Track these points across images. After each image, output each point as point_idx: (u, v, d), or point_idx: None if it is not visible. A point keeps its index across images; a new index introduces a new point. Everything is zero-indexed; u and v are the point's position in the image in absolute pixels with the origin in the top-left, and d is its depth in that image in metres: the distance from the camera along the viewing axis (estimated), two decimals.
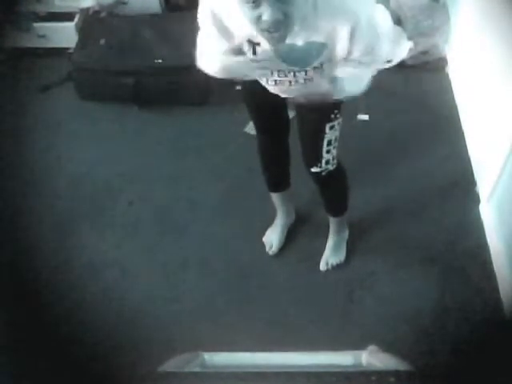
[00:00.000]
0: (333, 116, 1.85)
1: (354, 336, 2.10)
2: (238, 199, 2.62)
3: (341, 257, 2.38)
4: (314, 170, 1.98)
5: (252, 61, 1.56)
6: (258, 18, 1.32)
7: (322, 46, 1.51)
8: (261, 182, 2.34)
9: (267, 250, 2.43)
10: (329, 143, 1.90)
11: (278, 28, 1.34)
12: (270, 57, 1.54)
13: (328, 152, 1.93)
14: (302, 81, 1.65)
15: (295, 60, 1.54)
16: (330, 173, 2.00)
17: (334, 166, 1.99)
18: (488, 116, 2.50)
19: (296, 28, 1.42)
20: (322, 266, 2.36)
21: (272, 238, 2.44)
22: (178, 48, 2.98)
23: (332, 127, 1.87)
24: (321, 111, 1.84)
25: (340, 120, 1.88)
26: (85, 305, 2.29)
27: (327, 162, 1.96)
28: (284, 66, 1.58)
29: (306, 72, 1.61)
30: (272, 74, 1.64)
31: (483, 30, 2.57)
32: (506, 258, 2.23)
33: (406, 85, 3.05)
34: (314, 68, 1.60)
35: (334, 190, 2.19)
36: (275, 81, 1.67)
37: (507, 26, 2.23)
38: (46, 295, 2.31)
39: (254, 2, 1.29)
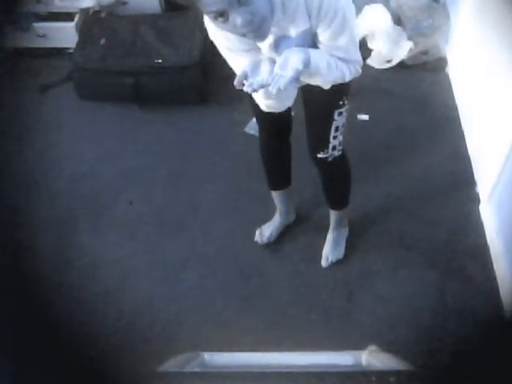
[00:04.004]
0: (341, 102, 1.89)
1: (354, 336, 2.10)
2: (237, 199, 2.62)
3: (340, 253, 2.40)
4: (320, 155, 2.01)
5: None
6: (235, 27, 1.38)
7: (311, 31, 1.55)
8: (261, 182, 2.35)
9: (256, 238, 2.44)
10: (336, 129, 1.94)
11: (254, 26, 1.40)
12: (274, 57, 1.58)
13: (335, 138, 1.97)
14: None
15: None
16: (335, 159, 2.03)
17: (340, 153, 2.03)
18: (488, 116, 2.50)
19: (276, 20, 1.46)
20: (323, 263, 2.38)
21: (265, 231, 2.45)
22: (177, 48, 2.99)
23: (340, 113, 1.91)
24: (330, 98, 1.87)
25: (348, 106, 1.92)
26: (85, 305, 2.29)
27: (334, 148, 1.99)
28: None
29: None
30: None
31: (483, 31, 2.57)
32: (506, 258, 2.23)
33: (405, 85, 3.05)
34: None
35: (337, 179, 2.22)
36: None
37: (507, 26, 2.23)
38: (46, 295, 2.31)
39: (222, 16, 1.36)
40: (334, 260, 2.38)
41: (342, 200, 2.32)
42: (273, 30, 1.49)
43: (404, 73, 3.04)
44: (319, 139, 1.99)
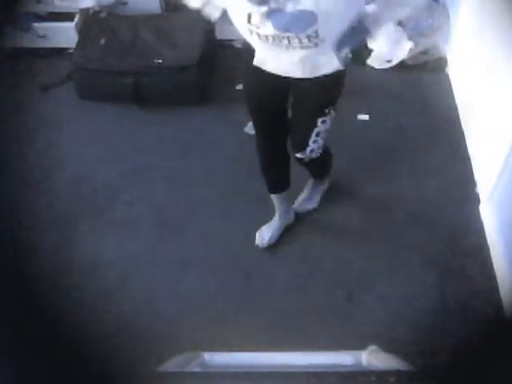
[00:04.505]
0: (327, 111, 1.93)
1: (354, 336, 2.10)
2: (237, 199, 2.62)
3: (315, 204, 2.52)
4: (298, 155, 2.08)
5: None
6: None
7: (312, 16, 1.56)
8: (260, 182, 2.34)
9: (257, 242, 2.44)
10: (317, 135, 1.99)
11: None
12: (262, 23, 1.60)
13: (314, 142, 2.02)
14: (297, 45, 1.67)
15: (285, 25, 1.59)
16: (312, 160, 2.10)
17: (318, 155, 2.08)
18: (488, 116, 2.50)
19: None
20: (296, 207, 2.50)
21: (265, 234, 2.45)
22: (177, 48, 2.99)
23: (324, 121, 1.95)
24: (316, 105, 1.93)
25: (333, 115, 1.96)
26: (85, 305, 2.29)
27: (311, 151, 2.04)
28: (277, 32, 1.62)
29: (299, 39, 1.64)
30: (267, 39, 1.67)
31: (483, 30, 2.57)
32: (506, 258, 2.23)
33: (406, 85, 3.05)
34: (309, 37, 1.62)
35: (315, 170, 2.37)
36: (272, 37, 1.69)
37: (507, 26, 2.23)
38: (46, 295, 2.31)
39: None
40: (309, 209, 2.50)
41: (323, 176, 2.47)
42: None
43: (404, 73, 3.04)
44: (299, 141, 2.05)
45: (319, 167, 2.35)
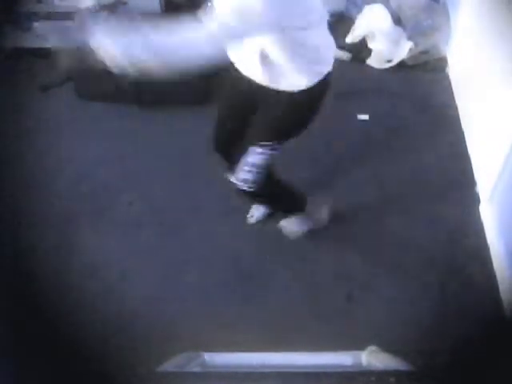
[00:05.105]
0: (267, 143, 1.79)
1: (354, 336, 2.10)
2: (237, 199, 2.61)
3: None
4: (230, 178, 1.97)
5: None
6: None
7: None
8: None
9: (248, 219, 2.50)
10: (251, 165, 1.84)
11: None
12: None
13: (249, 172, 1.87)
14: None
15: None
16: (244, 191, 1.97)
17: (251, 190, 1.93)
18: (488, 116, 2.50)
19: None
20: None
21: (255, 211, 2.49)
22: None
23: (261, 153, 1.81)
24: (261, 129, 1.79)
25: (272, 152, 1.82)
26: (85, 305, 2.29)
27: (243, 181, 1.91)
28: None
29: None
30: None
31: (483, 30, 2.57)
32: (506, 258, 2.23)
33: (406, 85, 3.05)
34: None
35: (260, 202, 2.31)
36: None
37: (507, 26, 2.23)
38: (46, 295, 2.31)
39: None
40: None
41: (284, 212, 2.37)
42: None
43: (404, 73, 3.04)
44: (233, 159, 1.89)
45: (263, 202, 2.25)
